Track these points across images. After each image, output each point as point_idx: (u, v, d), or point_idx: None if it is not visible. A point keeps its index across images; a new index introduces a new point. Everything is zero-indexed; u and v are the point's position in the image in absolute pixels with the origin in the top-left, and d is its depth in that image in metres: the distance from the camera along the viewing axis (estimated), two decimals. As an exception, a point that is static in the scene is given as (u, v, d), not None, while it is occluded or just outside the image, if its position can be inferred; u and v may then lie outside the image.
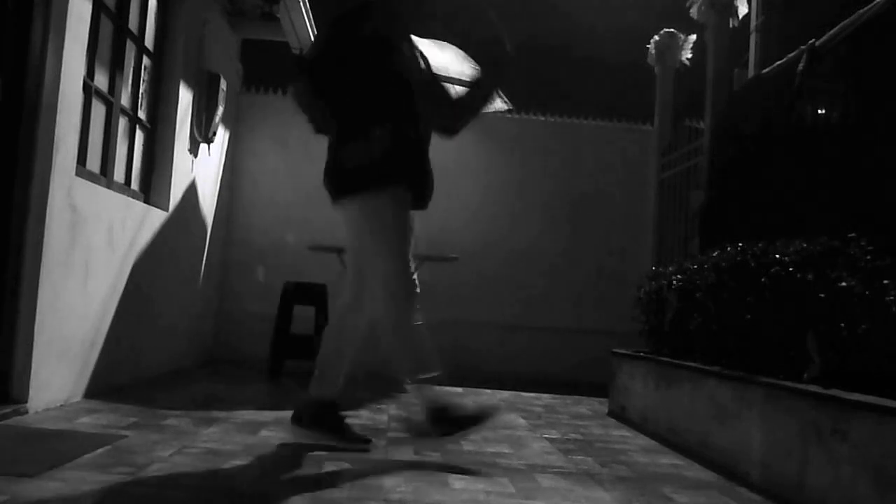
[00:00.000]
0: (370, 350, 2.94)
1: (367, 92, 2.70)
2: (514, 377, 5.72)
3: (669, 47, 6.07)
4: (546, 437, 3.30)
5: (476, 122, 2.99)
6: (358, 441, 2.77)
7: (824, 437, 2.22)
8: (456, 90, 2.89)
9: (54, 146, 2.92)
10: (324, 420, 2.74)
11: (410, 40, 2.89)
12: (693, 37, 5.93)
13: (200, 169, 5.08)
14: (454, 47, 3.04)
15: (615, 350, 4.29)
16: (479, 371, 5.71)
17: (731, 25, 4.71)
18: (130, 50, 3.97)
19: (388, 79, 2.72)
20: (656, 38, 6.13)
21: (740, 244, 3.09)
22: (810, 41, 3.59)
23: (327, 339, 2.82)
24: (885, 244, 2.50)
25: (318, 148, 6.24)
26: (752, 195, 3.87)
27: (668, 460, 2.97)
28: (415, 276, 2.67)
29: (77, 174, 3.20)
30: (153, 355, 4.34)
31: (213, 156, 5.38)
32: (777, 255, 2.74)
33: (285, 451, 2.62)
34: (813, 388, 2.34)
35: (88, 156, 3.50)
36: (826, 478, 2.20)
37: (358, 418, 3.47)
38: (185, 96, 4.63)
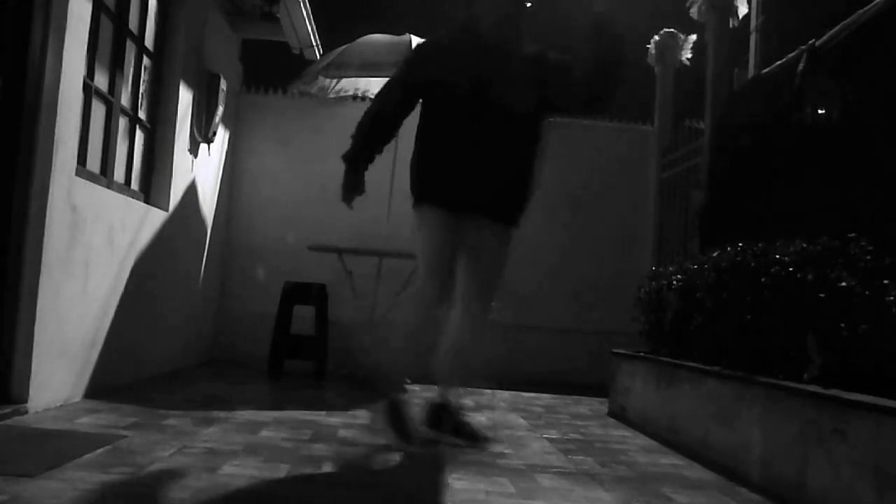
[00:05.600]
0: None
1: None
2: (514, 377, 5.71)
3: (669, 47, 6.06)
4: (546, 437, 3.31)
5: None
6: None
7: (824, 437, 2.22)
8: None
9: (54, 146, 2.91)
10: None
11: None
12: (693, 37, 5.93)
13: (200, 169, 5.08)
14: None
15: (615, 350, 4.29)
16: (478, 371, 5.70)
17: (731, 25, 4.70)
18: (130, 50, 3.97)
19: None
20: (656, 38, 6.13)
21: (740, 244, 3.09)
22: (810, 41, 3.59)
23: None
24: (886, 244, 2.50)
25: (318, 148, 6.24)
26: (752, 195, 3.87)
27: (668, 460, 2.97)
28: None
29: (77, 174, 3.20)
30: (153, 355, 4.34)
31: (213, 156, 5.38)
32: (777, 255, 2.74)
33: (285, 451, 2.62)
34: (813, 388, 2.34)
35: (88, 156, 3.50)
36: (826, 478, 2.20)
37: (356, 418, 3.47)
38: (185, 96, 4.63)
